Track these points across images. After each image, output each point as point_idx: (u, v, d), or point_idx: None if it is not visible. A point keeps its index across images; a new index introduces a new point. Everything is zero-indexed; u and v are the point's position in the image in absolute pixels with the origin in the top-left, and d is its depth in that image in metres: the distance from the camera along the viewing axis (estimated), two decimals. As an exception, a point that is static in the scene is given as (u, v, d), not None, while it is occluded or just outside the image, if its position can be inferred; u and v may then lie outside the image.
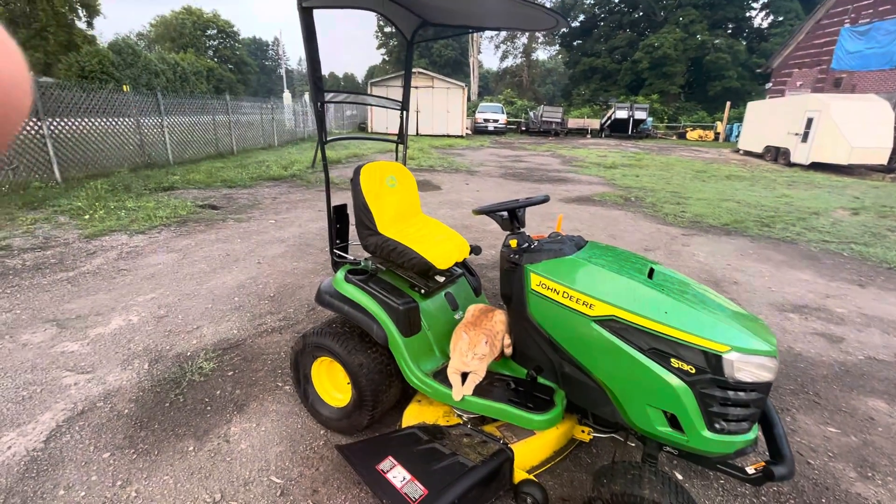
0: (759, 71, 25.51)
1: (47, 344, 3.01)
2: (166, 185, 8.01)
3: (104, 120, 8.87)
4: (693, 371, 1.43)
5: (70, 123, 8.08)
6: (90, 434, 2.23)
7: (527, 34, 42.01)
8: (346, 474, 2.02)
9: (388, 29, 46.54)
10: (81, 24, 30.01)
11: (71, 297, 3.70)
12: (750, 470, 1.60)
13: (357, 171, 2.23)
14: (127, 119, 9.48)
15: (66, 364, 2.80)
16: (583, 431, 1.99)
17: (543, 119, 26.58)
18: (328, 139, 2.24)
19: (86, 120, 8.43)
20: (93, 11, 29.79)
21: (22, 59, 0.36)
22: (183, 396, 2.54)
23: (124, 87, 11.16)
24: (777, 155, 15.87)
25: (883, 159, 13.23)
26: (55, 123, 7.74)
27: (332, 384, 2.33)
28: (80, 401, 2.47)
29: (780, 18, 32.21)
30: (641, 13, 36.19)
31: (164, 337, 3.16)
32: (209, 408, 2.46)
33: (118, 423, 2.31)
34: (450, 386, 1.89)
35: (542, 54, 53.29)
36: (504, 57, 48.36)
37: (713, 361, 1.41)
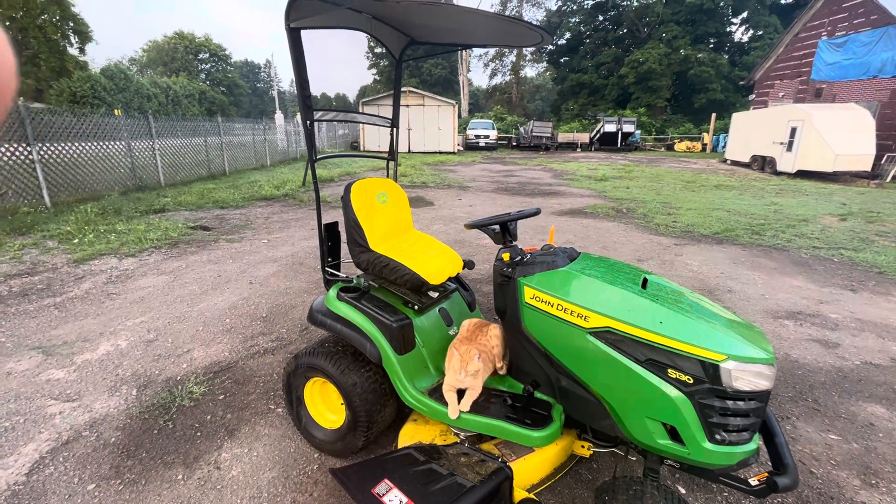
0: (741, 83, 26.10)
1: (32, 372, 2.93)
2: (157, 208, 7.97)
3: (95, 144, 8.87)
4: (691, 381, 1.41)
5: (60, 148, 8.06)
6: (75, 465, 2.15)
7: (514, 52, 42.85)
8: (341, 499, 1.96)
9: (378, 49, 47.33)
10: (73, 51, 30.25)
11: (58, 323, 3.62)
12: (753, 482, 1.56)
13: (348, 189, 2.22)
14: (118, 142, 9.47)
15: (51, 392, 2.72)
16: (582, 447, 1.95)
17: (534, 134, 26.91)
18: (318, 157, 2.24)
19: (76, 144, 8.42)
20: (85, 38, 30.06)
21: (9, 46, 0.37)
22: (172, 422, 2.47)
23: (116, 111, 11.19)
24: (764, 164, 16.14)
25: (867, 166, 13.49)
26: (45, 148, 7.72)
27: (326, 405, 2.28)
28: (64, 430, 2.39)
29: (760, 32, 33.16)
30: (626, 30, 37.11)
31: (154, 361, 3.09)
32: (199, 433, 2.39)
33: (104, 452, 2.24)
34: (446, 404, 1.85)
35: (530, 71, 54.16)
36: (493, 74, 49.16)
37: (710, 371, 1.39)
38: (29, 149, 7.33)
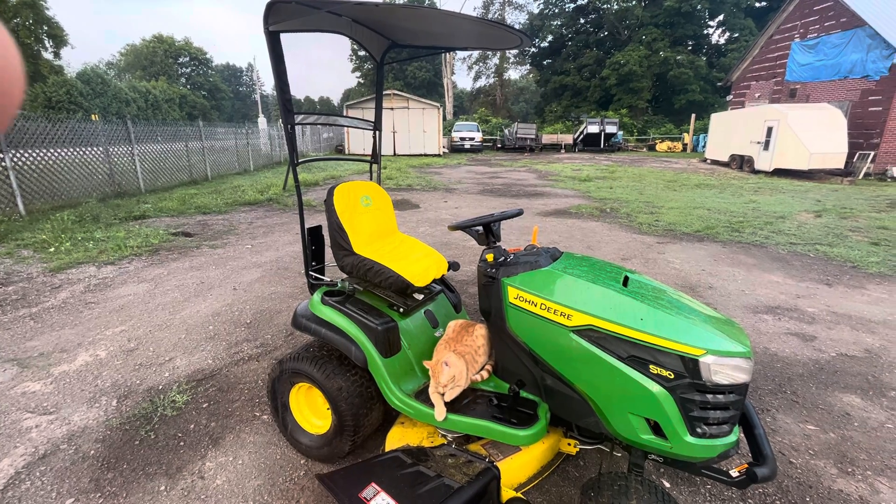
0: (719, 84, 26.69)
1: (7, 385, 2.84)
2: (137, 214, 7.81)
3: (71, 150, 8.66)
4: (672, 376, 1.44)
5: (35, 155, 7.86)
6: (52, 479, 2.09)
7: (498, 54, 43.15)
8: (329, 505, 1.94)
9: (362, 52, 47.17)
10: (48, 55, 29.52)
11: (34, 334, 3.52)
12: (734, 473, 1.60)
13: (331, 192, 2.21)
14: (95, 148, 9.26)
15: (27, 405, 2.65)
16: (569, 444, 1.97)
17: (518, 136, 27.12)
18: (300, 161, 2.22)
19: (52, 151, 8.21)
20: (59, 42, 29.36)
21: (14, 48, 0.37)
22: (154, 432, 2.42)
23: (93, 116, 10.95)
24: (742, 163, 16.53)
25: (840, 163, 13.92)
26: (19, 155, 7.51)
27: (312, 411, 2.26)
28: (41, 444, 2.33)
29: (736, 35, 33.96)
30: (606, 33, 37.65)
31: (134, 371, 3.02)
32: (182, 443, 2.35)
33: (83, 465, 2.18)
34: (432, 406, 1.85)
35: (513, 74, 54.66)
36: (477, 77, 49.44)
37: (690, 366, 1.42)
38: (1, 155, 7.12)
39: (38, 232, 6.30)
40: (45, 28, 28.18)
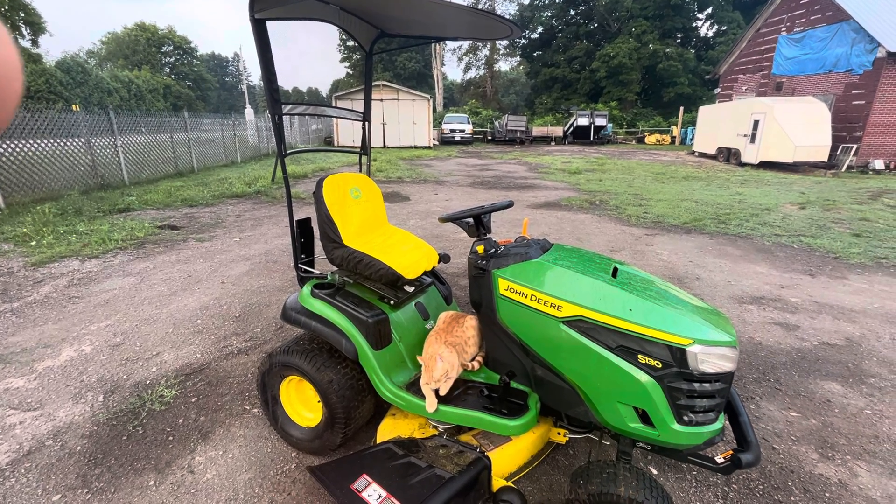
0: (707, 77, 26.86)
1: (-12, 381, 2.78)
2: (122, 207, 7.66)
3: (52, 141, 8.43)
4: (659, 366, 1.46)
5: (13, 146, 7.65)
6: (38, 476, 2.06)
7: (488, 46, 42.90)
8: (320, 497, 1.95)
9: (350, 42, 46.51)
10: (25, 43, 28.61)
11: (15, 330, 3.45)
12: (719, 459, 1.64)
13: (319, 184, 2.18)
14: (77, 139, 9.03)
15: (10, 402, 2.60)
16: (558, 433, 1.99)
17: (508, 128, 27.05)
18: (287, 152, 2.19)
19: (31, 142, 7.99)
20: (37, 29, 28.46)
21: (11, 43, 0.37)
22: (142, 427, 2.39)
23: (74, 106, 10.68)
24: (729, 155, 16.72)
25: (824, 156, 14.16)
26: (-4, 146, 7.31)
27: (302, 404, 2.26)
28: (26, 441, 2.29)
29: (724, 28, 34.19)
30: (596, 24, 37.62)
31: (121, 366, 2.98)
32: (171, 438, 2.33)
33: (69, 461, 2.15)
34: (423, 397, 1.86)
35: (504, 65, 54.36)
36: (467, 68, 49.07)
37: (678, 355, 1.44)
38: (-22, 147, 6.92)
39: (18, 225, 6.15)
40: (22, 15, 27.27)
